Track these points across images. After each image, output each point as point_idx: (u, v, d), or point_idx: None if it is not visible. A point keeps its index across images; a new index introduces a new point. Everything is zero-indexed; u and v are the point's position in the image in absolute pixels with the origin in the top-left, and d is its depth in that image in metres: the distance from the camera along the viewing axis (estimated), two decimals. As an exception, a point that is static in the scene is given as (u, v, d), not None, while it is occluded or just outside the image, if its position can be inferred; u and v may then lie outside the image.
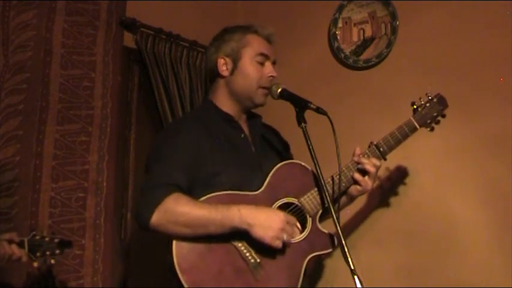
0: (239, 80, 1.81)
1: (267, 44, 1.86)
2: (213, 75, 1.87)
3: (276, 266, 1.64)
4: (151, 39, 2.75)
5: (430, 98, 1.94)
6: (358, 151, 1.82)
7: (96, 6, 2.61)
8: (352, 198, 1.88)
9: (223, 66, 1.82)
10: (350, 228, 2.55)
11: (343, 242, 1.44)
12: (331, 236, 1.75)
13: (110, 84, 2.60)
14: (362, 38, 2.76)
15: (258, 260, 1.62)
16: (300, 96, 1.71)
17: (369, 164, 1.77)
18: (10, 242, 1.70)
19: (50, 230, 2.13)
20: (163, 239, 1.63)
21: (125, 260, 2.61)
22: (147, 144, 2.71)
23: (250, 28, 1.86)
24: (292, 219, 1.65)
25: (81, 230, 2.39)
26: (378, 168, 1.80)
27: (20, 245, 1.71)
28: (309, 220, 1.73)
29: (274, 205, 1.71)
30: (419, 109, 1.91)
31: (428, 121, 1.92)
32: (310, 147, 1.60)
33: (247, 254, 1.62)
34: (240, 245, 1.62)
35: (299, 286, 1.67)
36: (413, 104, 1.92)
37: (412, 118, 1.90)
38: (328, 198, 1.55)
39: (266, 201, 1.69)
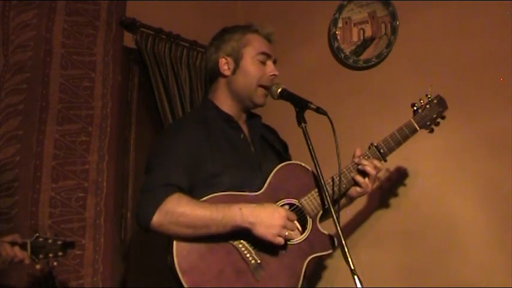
0: (240, 79, 1.81)
1: (267, 43, 1.86)
2: (214, 75, 1.87)
3: (277, 267, 1.64)
4: (151, 39, 2.75)
5: (430, 99, 1.94)
6: (358, 152, 1.82)
7: (96, 6, 2.61)
8: (351, 199, 1.88)
9: (225, 65, 1.82)
10: (350, 228, 2.55)
11: (343, 242, 1.44)
12: (331, 237, 1.75)
13: (110, 84, 2.60)
14: (362, 38, 2.76)
15: (259, 261, 1.62)
16: (300, 96, 1.71)
17: (370, 165, 1.77)
18: (13, 244, 1.69)
19: (50, 230, 2.13)
20: (163, 239, 1.63)
21: (124, 260, 2.61)
22: (147, 144, 2.71)
23: (250, 27, 1.86)
24: (292, 215, 1.65)
25: (81, 230, 2.39)
26: (378, 170, 1.80)
27: (23, 247, 1.71)
28: (309, 221, 1.73)
29: None
30: (419, 110, 1.91)
31: (428, 123, 1.92)
32: (310, 147, 1.60)
33: (248, 255, 1.62)
34: (240, 245, 1.62)
35: (299, 287, 1.67)
36: (413, 105, 1.92)
37: (412, 119, 1.90)
38: (328, 198, 1.55)
39: (267, 202, 1.69)
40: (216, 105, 1.84)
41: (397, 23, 2.60)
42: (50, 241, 1.78)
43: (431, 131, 1.94)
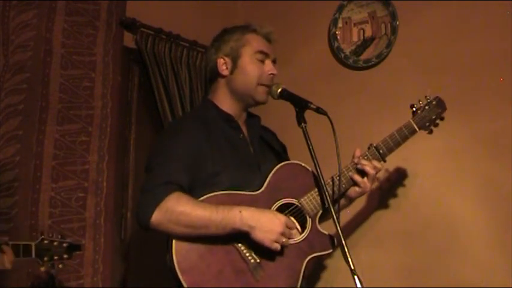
0: (239, 78, 1.81)
1: (266, 42, 1.86)
2: (214, 75, 1.87)
3: (276, 267, 1.64)
4: (151, 39, 2.75)
5: (429, 100, 1.95)
6: (358, 153, 1.83)
7: (96, 6, 2.61)
8: (351, 200, 1.88)
9: (223, 65, 1.83)
10: (350, 228, 2.54)
11: (343, 242, 1.44)
12: (330, 237, 1.75)
13: (110, 84, 2.60)
14: (362, 38, 2.76)
15: (258, 261, 1.62)
16: (300, 96, 1.71)
17: (369, 165, 1.78)
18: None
19: (50, 231, 2.12)
20: (163, 239, 1.63)
21: (124, 260, 2.61)
22: (147, 144, 2.71)
23: (249, 27, 1.86)
24: (292, 222, 1.66)
25: (81, 230, 2.39)
26: (378, 170, 1.80)
27: (26, 249, 1.71)
28: (309, 221, 1.73)
29: (274, 205, 1.71)
30: (418, 111, 1.92)
31: (427, 124, 1.93)
32: (310, 147, 1.60)
33: (247, 255, 1.62)
34: (240, 245, 1.62)
35: (298, 286, 1.67)
36: (412, 106, 1.93)
37: (411, 120, 1.90)
38: (328, 198, 1.55)
39: (266, 202, 1.69)
40: (216, 105, 1.84)
41: (397, 23, 2.60)
42: (55, 243, 1.77)
43: (431, 132, 1.95)
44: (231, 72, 1.82)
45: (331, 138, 1.59)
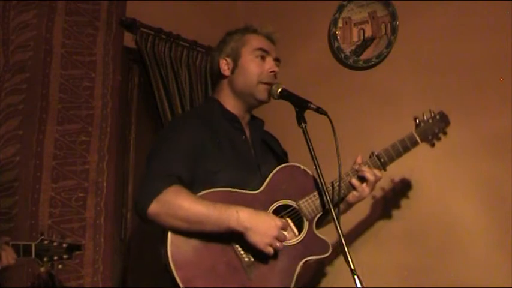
0: (240, 77, 1.82)
1: (266, 41, 1.87)
2: (217, 76, 1.89)
3: (270, 267, 1.63)
4: (151, 39, 2.75)
5: (433, 114, 1.96)
6: (359, 159, 1.84)
7: (96, 6, 2.61)
8: (349, 205, 1.89)
9: (225, 66, 1.84)
10: (350, 228, 2.54)
11: (344, 242, 1.44)
12: (326, 243, 1.74)
13: (109, 84, 2.60)
14: (362, 38, 2.76)
15: (252, 260, 1.62)
16: (300, 96, 1.71)
17: (370, 172, 1.79)
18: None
19: (50, 230, 2.13)
20: (161, 234, 1.63)
21: (124, 260, 2.61)
22: (147, 144, 2.71)
23: (250, 28, 1.88)
24: (288, 226, 1.66)
25: (81, 230, 2.39)
26: (378, 178, 1.81)
27: (26, 249, 1.71)
28: (306, 224, 1.73)
29: (271, 206, 1.71)
30: (421, 124, 1.94)
31: (430, 137, 1.95)
32: (310, 147, 1.60)
33: (242, 253, 1.61)
34: (235, 243, 1.62)
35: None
36: (415, 119, 1.94)
37: (414, 132, 1.92)
38: (328, 198, 1.55)
39: (264, 202, 1.69)
40: (221, 104, 1.85)
41: (397, 23, 2.60)
42: (55, 244, 1.78)
43: (433, 145, 1.97)
44: (232, 72, 1.83)
45: (331, 138, 1.59)
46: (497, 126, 2.27)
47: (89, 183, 2.45)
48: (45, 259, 1.74)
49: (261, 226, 1.57)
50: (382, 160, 1.84)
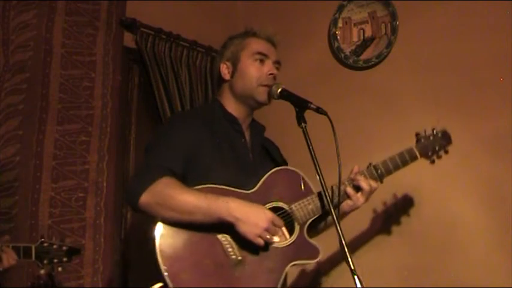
0: (239, 81, 1.83)
1: (266, 44, 1.87)
2: (218, 80, 1.91)
3: (257, 266, 1.62)
4: (151, 39, 2.75)
5: (435, 132, 1.96)
6: (356, 169, 1.83)
7: (96, 6, 2.61)
8: (344, 214, 1.86)
9: (225, 70, 1.86)
10: (350, 228, 2.54)
11: (344, 242, 1.44)
12: (316, 248, 1.73)
13: (110, 84, 2.60)
14: (362, 38, 2.76)
15: (240, 258, 1.61)
16: (300, 96, 1.71)
17: (365, 182, 1.78)
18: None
19: (51, 231, 2.13)
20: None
21: (125, 260, 2.61)
22: (147, 144, 2.71)
23: (250, 32, 1.89)
24: (279, 221, 1.64)
25: (81, 230, 2.39)
26: (373, 189, 1.80)
27: (27, 251, 1.71)
28: (297, 228, 1.72)
29: (264, 207, 1.70)
30: (422, 140, 1.93)
31: (430, 153, 1.94)
32: (310, 147, 1.60)
33: (230, 250, 1.60)
34: (223, 239, 1.61)
35: None
36: (417, 134, 1.93)
37: (414, 147, 1.91)
38: (328, 199, 1.54)
39: (257, 202, 1.67)
40: (222, 105, 1.86)
41: (397, 23, 2.60)
42: (55, 246, 1.78)
43: (433, 162, 1.95)
44: (232, 76, 1.85)
45: (331, 139, 1.59)
46: (497, 126, 2.27)
47: (89, 183, 2.45)
48: (45, 261, 1.75)
49: (252, 217, 1.56)
50: (379, 171, 1.84)
